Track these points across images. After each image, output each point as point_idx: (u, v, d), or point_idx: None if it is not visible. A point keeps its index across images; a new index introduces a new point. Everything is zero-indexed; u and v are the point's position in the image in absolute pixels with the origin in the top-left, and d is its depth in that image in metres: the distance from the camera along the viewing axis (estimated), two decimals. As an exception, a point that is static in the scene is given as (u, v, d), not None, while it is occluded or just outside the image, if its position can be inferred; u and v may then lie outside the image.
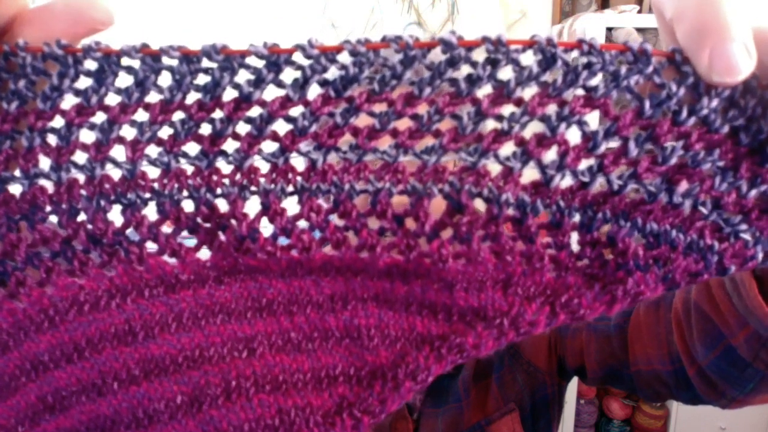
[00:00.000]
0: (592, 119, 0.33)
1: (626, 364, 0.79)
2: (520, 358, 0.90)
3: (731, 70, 0.28)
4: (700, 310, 0.62)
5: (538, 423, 0.91)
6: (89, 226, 0.33)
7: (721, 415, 2.39)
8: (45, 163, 0.32)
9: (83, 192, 0.33)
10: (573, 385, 2.33)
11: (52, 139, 0.32)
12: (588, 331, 0.84)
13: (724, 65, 0.28)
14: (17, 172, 0.32)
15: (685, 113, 0.31)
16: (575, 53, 0.30)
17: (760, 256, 0.33)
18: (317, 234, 0.34)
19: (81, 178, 0.33)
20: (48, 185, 0.33)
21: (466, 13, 2.32)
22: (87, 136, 0.32)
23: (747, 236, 0.33)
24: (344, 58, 0.30)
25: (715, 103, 0.31)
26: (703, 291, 0.60)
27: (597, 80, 0.31)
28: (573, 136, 0.32)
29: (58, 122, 0.32)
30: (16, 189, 0.33)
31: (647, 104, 0.31)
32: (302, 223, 0.33)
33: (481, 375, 0.90)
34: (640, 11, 2.17)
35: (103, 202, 0.33)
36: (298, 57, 0.30)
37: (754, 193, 0.32)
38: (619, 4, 2.23)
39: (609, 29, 2.04)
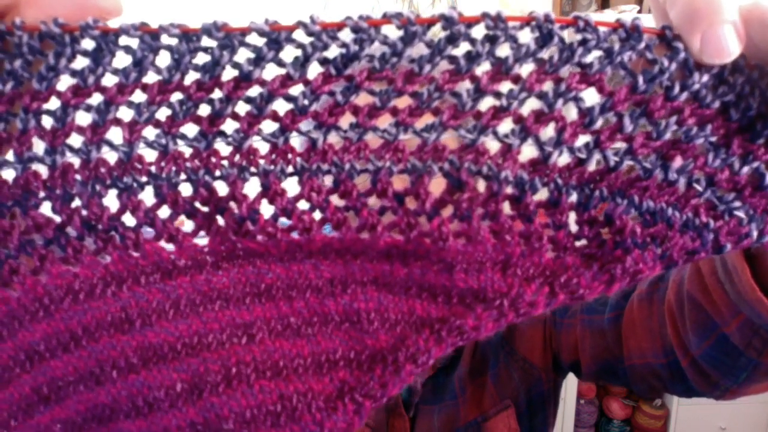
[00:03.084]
0: (590, 97, 0.34)
1: (620, 358, 0.79)
2: (516, 354, 0.90)
3: (721, 53, 0.30)
4: (693, 300, 0.63)
5: (534, 419, 0.91)
6: (84, 212, 0.33)
7: (721, 415, 2.41)
8: (39, 146, 0.32)
9: (78, 176, 0.32)
10: (573, 385, 2.33)
11: (47, 121, 0.31)
12: (582, 326, 0.84)
13: (714, 48, 0.30)
14: (10, 156, 0.32)
15: (677, 88, 0.31)
16: (569, 30, 0.31)
17: (755, 233, 0.34)
18: (318, 215, 0.33)
19: (76, 161, 0.32)
20: (42, 170, 0.32)
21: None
22: (83, 118, 0.32)
23: (741, 214, 0.33)
24: (345, 35, 0.30)
25: (705, 78, 0.31)
26: (695, 280, 0.61)
27: (592, 57, 0.31)
28: (569, 112, 0.32)
29: (53, 104, 0.31)
30: (8, 174, 0.32)
31: (640, 80, 0.31)
32: (303, 204, 0.33)
33: (476, 372, 0.89)
34: (640, 11, 2.20)
35: (98, 187, 0.32)
36: (298, 34, 0.30)
37: (746, 169, 0.33)
38: (619, 4, 2.25)
39: None
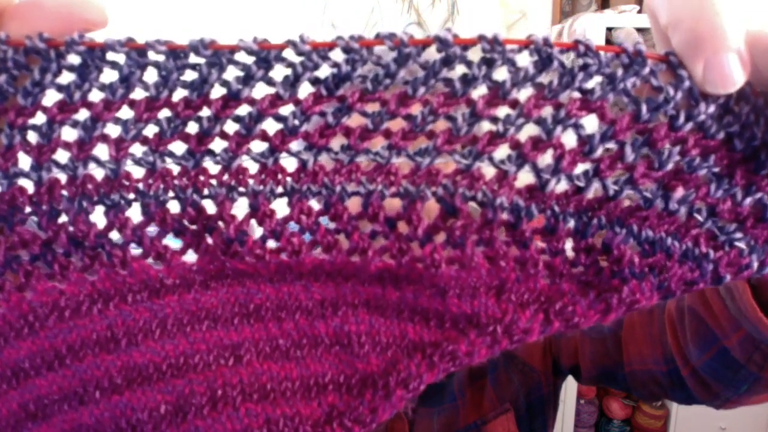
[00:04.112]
0: (589, 123, 0.33)
1: (621, 364, 0.79)
2: (515, 358, 0.90)
3: (725, 83, 0.28)
4: (694, 312, 0.62)
5: (533, 422, 0.91)
6: (70, 229, 0.32)
7: (721, 415, 2.39)
8: (25, 162, 0.31)
9: (65, 192, 0.32)
10: (573, 385, 2.33)
11: (32, 137, 0.31)
12: (582, 331, 0.84)
13: (718, 77, 0.28)
14: None
15: (682, 118, 0.30)
16: (571, 55, 0.30)
17: (755, 265, 0.33)
18: (307, 237, 0.33)
19: (62, 178, 0.32)
20: (28, 185, 0.32)
21: (466, 13, 2.33)
22: (69, 134, 0.31)
23: (742, 245, 0.32)
24: (336, 55, 0.29)
25: (712, 108, 0.30)
26: (696, 293, 0.60)
27: (593, 82, 0.30)
28: (569, 139, 0.31)
29: (39, 119, 0.31)
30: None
31: (644, 108, 0.30)
32: (292, 226, 0.32)
33: (476, 375, 0.89)
34: (640, 11, 2.17)
35: (85, 203, 0.32)
36: (289, 53, 0.29)
37: (749, 200, 0.32)
38: (619, 4, 2.23)
39: (609, 29, 2.04)
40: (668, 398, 0.77)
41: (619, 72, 0.30)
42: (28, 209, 0.32)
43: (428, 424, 0.85)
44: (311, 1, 2.26)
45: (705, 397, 0.68)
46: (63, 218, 0.32)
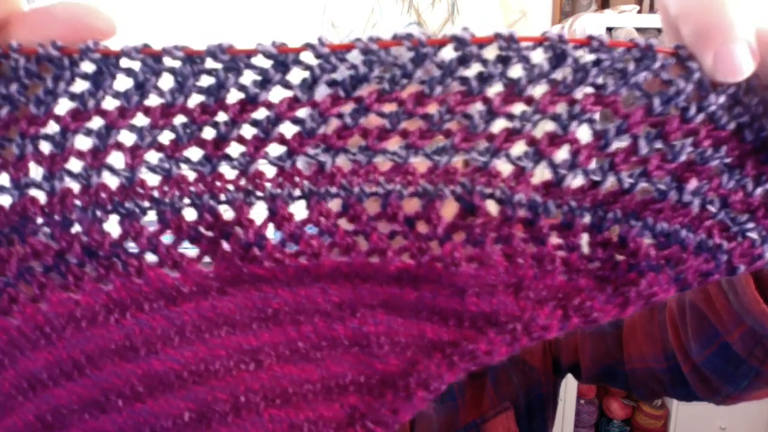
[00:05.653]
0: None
1: (621, 362, 0.79)
2: (515, 356, 0.90)
3: (735, 71, 0.29)
4: (695, 308, 0.63)
5: (533, 421, 0.91)
6: (84, 238, 0.32)
7: (721, 415, 2.40)
8: (37, 172, 0.31)
9: (78, 202, 0.31)
10: (573, 385, 2.32)
11: (45, 147, 0.30)
12: (582, 330, 0.84)
13: (727, 67, 0.29)
14: (6, 182, 0.31)
15: (693, 110, 0.31)
16: (582, 51, 0.30)
17: None
18: (326, 239, 0.33)
19: (75, 187, 0.31)
20: (40, 195, 0.31)
21: (466, 13, 2.33)
22: (83, 143, 0.31)
23: (754, 235, 0.33)
24: (353, 56, 0.29)
25: (722, 99, 0.31)
26: (698, 288, 0.61)
27: (606, 77, 0.30)
28: (583, 134, 0.31)
29: (51, 128, 0.30)
30: (5, 200, 0.31)
31: (656, 101, 0.31)
32: (310, 229, 0.32)
33: (476, 374, 0.89)
34: (640, 11, 2.19)
35: (99, 213, 0.31)
36: (306, 56, 0.29)
37: (759, 191, 0.32)
38: (619, 4, 2.25)
39: (609, 29, 2.05)
40: (668, 396, 0.78)
41: (631, 66, 0.30)
42: (40, 220, 0.31)
43: (428, 422, 0.85)
44: (311, 1, 2.26)
45: (705, 393, 0.68)
46: (76, 228, 0.32)
